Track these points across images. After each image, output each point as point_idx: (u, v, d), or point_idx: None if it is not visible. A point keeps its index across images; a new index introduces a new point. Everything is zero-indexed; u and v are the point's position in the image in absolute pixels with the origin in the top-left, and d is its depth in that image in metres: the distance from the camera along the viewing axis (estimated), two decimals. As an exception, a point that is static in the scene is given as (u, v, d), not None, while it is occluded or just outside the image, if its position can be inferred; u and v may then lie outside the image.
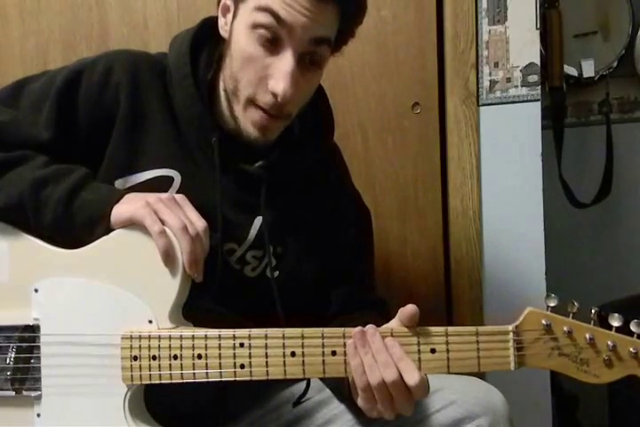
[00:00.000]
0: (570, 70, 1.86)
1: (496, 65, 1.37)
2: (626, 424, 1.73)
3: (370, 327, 0.76)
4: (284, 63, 0.83)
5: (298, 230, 0.97)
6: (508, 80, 1.37)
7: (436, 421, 0.86)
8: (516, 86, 1.37)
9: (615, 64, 1.89)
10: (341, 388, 0.87)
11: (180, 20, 1.43)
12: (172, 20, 1.43)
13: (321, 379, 0.96)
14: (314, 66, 0.87)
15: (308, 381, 0.94)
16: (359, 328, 0.76)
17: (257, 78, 0.85)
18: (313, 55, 0.86)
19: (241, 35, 0.86)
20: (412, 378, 0.74)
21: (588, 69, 1.88)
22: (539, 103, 1.37)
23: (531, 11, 1.36)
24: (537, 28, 1.36)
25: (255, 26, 0.84)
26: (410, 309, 0.77)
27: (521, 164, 1.37)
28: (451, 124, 1.38)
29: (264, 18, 0.82)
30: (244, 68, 0.86)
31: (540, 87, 1.37)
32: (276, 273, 0.94)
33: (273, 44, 0.84)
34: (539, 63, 1.36)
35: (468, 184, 1.38)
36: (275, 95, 0.84)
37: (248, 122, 0.88)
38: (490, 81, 1.37)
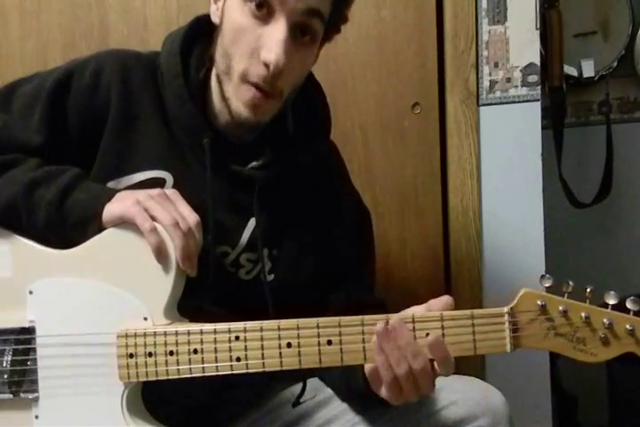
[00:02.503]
0: (570, 70, 1.86)
1: (496, 65, 1.37)
2: (626, 424, 1.74)
3: (395, 321, 0.75)
4: (277, 32, 0.82)
5: (294, 233, 0.96)
6: (508, 80, 1.37)
7: (436, 421, 0.86)
8: (516, 86, 1.37)
9: (615, 64, 1.89)
10: (352, 383, 0.86)
11: (180, 19, 1.43)
12: (171, 20, 1.43)
13: (327, 375, 0.97)
14: (306, 40, 0.86)
15: (304, 382, 0.94)
16: (381, 326, 0.75)
17: (249, 50, 0.84)
18: (305, 27, 0.85)
19: (233, 10, 0.85)
20: (445, 371, 0.75)
21: (588, 69, 1.88)
22: (539, 103, 1.37)
23: (531, 11, 1.36)
24: (537, 28, 1.36)
25: None
26: (448, 299, 0.78)
27: (521, 164, 1.37)
28: (451, 124, 1.38)
29: None
30: (236, 41, 0.85)
31: (539, 87, 1.37)
32: (272, 276, 0.94)
33: (265, 14, 0.83)
34: (539, 63, 1.36)
35: (468, 184, 1.38)
36: (267, 65, 0.83)
37: (239, 101, 0.86)
38: (490, 81, 1.37)
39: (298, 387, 0.97)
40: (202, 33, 0.94)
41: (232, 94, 0.87)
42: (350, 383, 0.88)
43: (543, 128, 1.38)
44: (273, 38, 0.82)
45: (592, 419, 1.84)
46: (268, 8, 0.83)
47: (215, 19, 0.91)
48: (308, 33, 0.86)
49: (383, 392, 0.78)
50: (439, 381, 0.81)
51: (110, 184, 0.89)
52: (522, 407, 1.33)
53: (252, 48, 0.84)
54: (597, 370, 1.77)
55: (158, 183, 0.89)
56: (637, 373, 1.65)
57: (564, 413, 1.79)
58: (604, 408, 1.79)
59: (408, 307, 0.79)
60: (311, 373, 1.00)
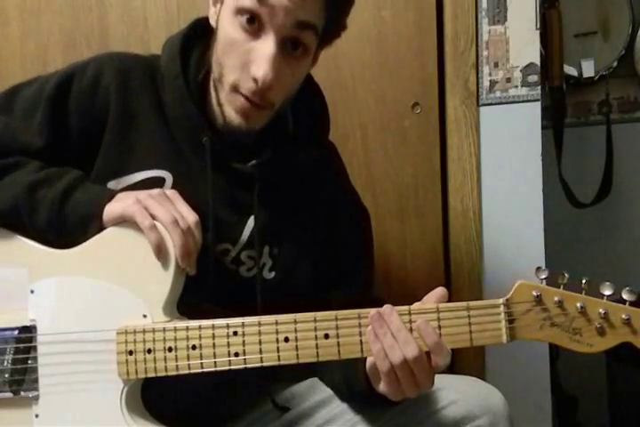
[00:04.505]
0: (570, 70, 1.86)
1: (496, 65, 1.37)
2: (626, 424, 1.74)
3: (386, 307, 0.76)
4: (265, 47, 0.83)
5: (294, 230, 0.96)
6: (508, 80, 1.37)
7: (436, 421, 0.86)
8: (516, 86, 1.37)
9: (615, 64, 1.89)
10: (353, 382, 0.86)
11: (180, 20, 1.43)
12: (172, 20, 1.43)
13: (327, 375, 0.97)
14: (298, 53, 0.86)
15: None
16: (375, 311, 0.76)
17: (240, 64, 0.85)
18: (296, 41, 0.85)
19: (226, 21, 0.86)
20: (442, 360, 0.74)
21: (588, 69, 1.88)
22: (539, 103, 1.37)
23: (531, 11, 1.36)
24: (537, 28, 1.36)
25: (239, 10, 0.83)
26: (441, 290, 0.79)
27: (521, 164, 1.37)
28: (451, 124, 1.39)
29: (247, 1, 0.82)
30: (227, 54, 0.86)
31: (540, 87, 1.37)
32: (272, 274, 0.94)
33: (255, 29, 0.83)
34: (539, 63, 1.36)
35: (468, 184, 1.38)
36: (255, 81, 0.83)
37: (231, 108, 0.87)
38: (490, 81, 1.37)
39: (298, 387, 0.98)
40: (201, 35, 0.94)
41: (224, 101, 0.88)
42: (351, 382, 0.88)
43: (543, 128, 1.38)
44: (262, 54, 0.83)
45: (592, 419, 1.84)
46: (258, 22, 0.83)
47: (213, 22, 0.91)
48: (300, 46, 0.86)
49: (381, 386, 0.78)
50: (439, 380, 0.81)
51: (110, 184, 0.90)
52: (522, 407, 1.33)
53: (242, 62, 0.84)
54: (597, 370, 1.77)
55: (158, 183, 0.90)
56: (637, 373, 1.65)
57: (563, 413, 1.79)
58: (604, 408, 1.79)
59: (408, 307, 0.79)
60: (311, 373, 1.00)
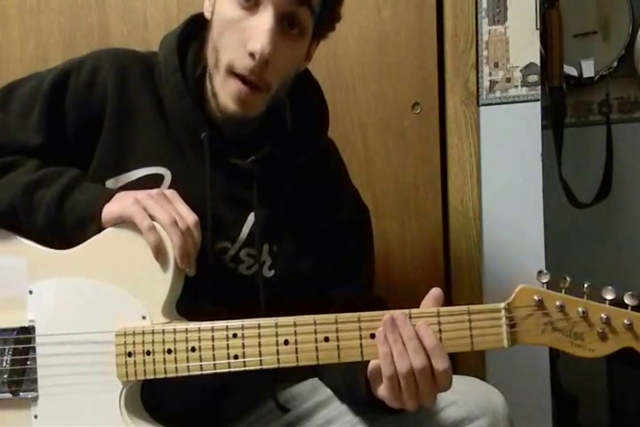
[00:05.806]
0: (570, 70, 1.86)
1: (496, 65, 1.37)
2: (626, 424, 1.74)
3: (400, 314, 0.76)
4: (263, 21, 0.82)
5: (294, 228, 0.96)
6: (508, 80, 1.37)
7: (436, 421, 0.86)
8: (516, 86, 1.37)
9: (615, 64, 1.90)
10: (354, 383, 0.86)
11: (180, 19, 1.39)
12: (172, 20, 1.43)
13: (328, 376, 0.96)
14: (295, 32, 0.86)
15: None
16: (389, 315, 0.76)
17: (236, 42, 0.84)
18: (294, 19, 0.85)
19: (223, 3, 0.86)
20: (441, 363, 0.74)
21: (588, 69, 1.88)
22: (539, 103, 1.37)
23: (531, 11, 1.36)
24: (537, 28, 1.36)
25: None
26: (436, 292, 0.78)
27: (521, 164, 1.37)
28: (451, 124, 1.38)
29: None
30: (223, 34, 0.85)
31: (540, 87, 1.37)
32: (272, 272, 0.94)
33: (253, 5, 0.83)
34: (539, 63, 1.36)
35: (468, 184, 1.38)
36: (253, 55, 0.82)
37: (227, 95, 0.86)
38: (490, 81, 1.37)
39: (298, 388, 0.97)
40: (198, 31, 0.94)
41: (220, 88, 0.87)
42: (351, 384, 0.88)
43: (543, 128, 1.38)
44: (259, 28, 0.82)
45: (592, 419, 1.84)
46: None
47: (207, 14, 0.91)
48: (297, 25, 0.85)
49: (381, 390, 0.78)
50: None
51: (109, 182, 0.90)
52: (522, 407, 1.33)
53: (238, 40, 0.84)
54: (597, 370, 1.77)
55: (156, 180, 0.89)
56: (637, 373, 1.65)
57: (563, 413, 1.79)
58: (604, 408, 1.79)
59: (408, 307, 0.79)
60: (312, 373, 1.00)
